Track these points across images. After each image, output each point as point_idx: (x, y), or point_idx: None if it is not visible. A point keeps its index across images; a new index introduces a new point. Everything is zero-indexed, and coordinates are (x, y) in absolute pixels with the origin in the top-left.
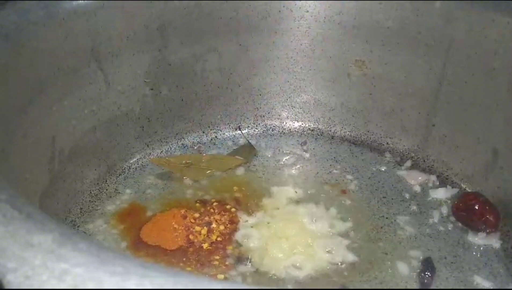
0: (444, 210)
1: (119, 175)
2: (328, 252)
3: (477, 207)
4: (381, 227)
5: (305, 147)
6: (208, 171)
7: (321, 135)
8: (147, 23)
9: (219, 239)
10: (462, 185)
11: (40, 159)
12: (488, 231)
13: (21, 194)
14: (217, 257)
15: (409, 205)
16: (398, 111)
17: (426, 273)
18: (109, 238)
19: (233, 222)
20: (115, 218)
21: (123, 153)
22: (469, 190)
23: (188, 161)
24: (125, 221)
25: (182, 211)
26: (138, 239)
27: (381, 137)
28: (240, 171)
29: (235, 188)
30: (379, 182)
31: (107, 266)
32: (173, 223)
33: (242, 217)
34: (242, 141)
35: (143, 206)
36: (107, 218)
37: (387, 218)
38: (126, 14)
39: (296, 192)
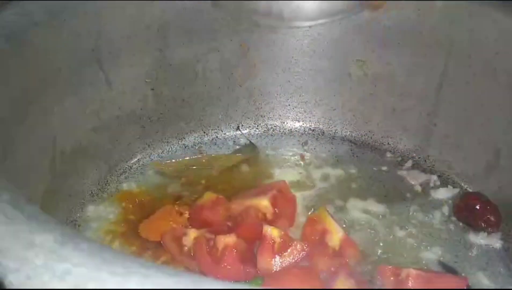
0: (445, 210)
1: (120, 175)
2: None
3: (478, 207)
4: (382, 227)
5: (306, 147)
6: (209, 171)
7: (322, 135)
8: (148, 24)
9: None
10: (463, 185)
11: (41, 159)
12: (489, 231)
13: (23, 194)
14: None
15: (410, 205)
16: (399, 111)
17: None
18: (110, 239)
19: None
20: (116, 218)
21: (124, 153)
22: (470, 190)
23: (188, 164)
24: (126, 221)
25: (176, 208)
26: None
27: (382, 137)
28: (241, 171)
29: (235, 188)
30: (380, 182)
31: (108, 266)
32: (170, 221)
33: None
34: (242, 141)
35: (144, 206)
36: (108, 218)
37: (387, 218)
38: (127, 15)
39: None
